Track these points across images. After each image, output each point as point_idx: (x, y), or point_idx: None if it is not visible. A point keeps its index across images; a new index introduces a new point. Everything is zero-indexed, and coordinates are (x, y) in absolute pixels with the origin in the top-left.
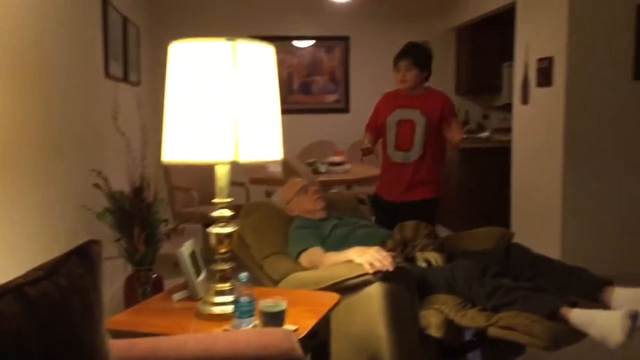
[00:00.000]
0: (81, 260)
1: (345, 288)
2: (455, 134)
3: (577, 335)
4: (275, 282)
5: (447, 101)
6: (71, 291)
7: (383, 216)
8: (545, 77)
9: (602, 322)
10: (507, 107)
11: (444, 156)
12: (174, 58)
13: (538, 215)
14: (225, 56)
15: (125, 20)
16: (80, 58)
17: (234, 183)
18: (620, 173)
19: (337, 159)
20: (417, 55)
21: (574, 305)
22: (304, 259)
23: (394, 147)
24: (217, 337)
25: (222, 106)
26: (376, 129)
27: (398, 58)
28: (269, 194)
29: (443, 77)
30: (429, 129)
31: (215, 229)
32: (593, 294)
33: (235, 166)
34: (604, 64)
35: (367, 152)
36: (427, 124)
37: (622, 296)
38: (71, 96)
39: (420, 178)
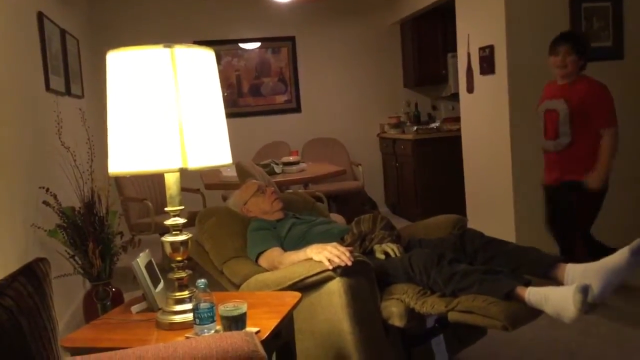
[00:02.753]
0: (28, 280)
1: (307, 286)
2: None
3: (533, 313)
4: (237, 286)
5: (590, 90)
6: (19, 312)
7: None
8: (488, 65)
9: (555, 299)
10: (455, 97)
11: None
12: (112, 68)
13: (491, 200)
14: (164, 63)
15: (63, 33)
16: (19, 73)
17: (189, 190)
18: None
19: (291, 158)
20: (576, 41)
21: (528, 284)
22: (263, 260)
23: (544, 136)
24: (177, 345)
25: (165, 113)
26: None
27: (557, 43)
28: (225, 199)
29: (391, 71)
30: (571, 116)
31: (169, 238)
32: (546, 272)
33: (189, 173)
34: (542, 50)
35: None
36: (570, 112)
37: (574, 272)
38: (12, 113)
39: (569, 167)
